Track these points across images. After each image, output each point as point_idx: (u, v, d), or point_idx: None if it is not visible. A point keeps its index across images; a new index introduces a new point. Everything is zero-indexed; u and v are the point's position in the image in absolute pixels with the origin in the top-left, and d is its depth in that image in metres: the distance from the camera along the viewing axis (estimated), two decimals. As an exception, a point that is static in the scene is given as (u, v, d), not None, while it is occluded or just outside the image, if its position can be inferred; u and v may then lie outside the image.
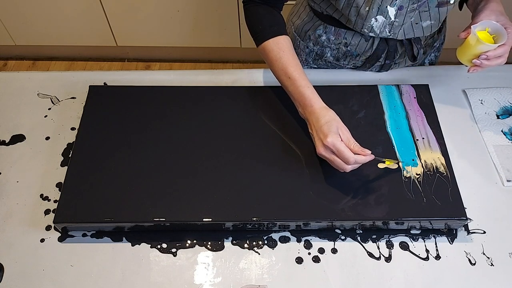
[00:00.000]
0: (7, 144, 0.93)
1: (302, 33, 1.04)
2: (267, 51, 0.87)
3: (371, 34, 0.92)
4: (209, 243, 0.80)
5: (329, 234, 0.81)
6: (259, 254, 0.79)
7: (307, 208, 0.79)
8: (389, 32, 0.91)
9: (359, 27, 0.91)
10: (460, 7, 1.00)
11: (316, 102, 0.82)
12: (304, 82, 0.84)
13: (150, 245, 0.80)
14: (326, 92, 0.92)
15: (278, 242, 0.80)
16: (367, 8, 0.87)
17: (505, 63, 1.01)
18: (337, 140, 0.76)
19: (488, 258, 0.78)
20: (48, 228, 0.82)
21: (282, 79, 0.87)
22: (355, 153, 0.76)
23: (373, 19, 0.88)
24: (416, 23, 0.90)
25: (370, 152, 0.77)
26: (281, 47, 0.86)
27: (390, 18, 0.88)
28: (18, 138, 0.94)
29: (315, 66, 1.08)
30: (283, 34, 0.88)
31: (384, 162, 0.82)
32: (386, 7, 0.86)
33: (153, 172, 0.83)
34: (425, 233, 0.81)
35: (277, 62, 0.86)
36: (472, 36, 0.84)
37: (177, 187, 0.81)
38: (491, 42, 0.83)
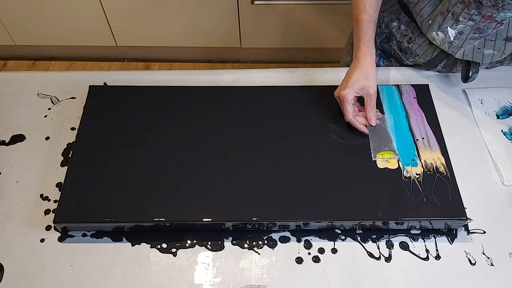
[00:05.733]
0: (7, 144, 0.93)
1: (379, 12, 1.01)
2: None
3: (433, 41, 0.93)
4: (209, 243, 0.80)
5: (329, 234, 0.81)
6: (259, 254, 0.79)
7: (307, 208, 0.79)
8: (448, 49, 0.91)
9: (424, 31, 0.92)
10: None
11: (362, 48, 0.86)
12: (365, 29, 0.87)
13: (150, 245, 0.80)
14: (326, 92, 0.92)
15: (278, 242, 0.80)
16: (430, 22, 0.88)
17: (505, 64, 1.02)
18: (348, 98, 0.84)
19: (488, 258, 0.78)
20: (48, 228, 0.82)
21: (353, 20, 0.90)
22: (367, 116, 0.86)
23: (434, 32, 0.89)
24: (478, 49, 0.90)
25: (375, 123, 0.87)
26: None
27: (449, 38, 0.88)
28: (18, 138, 0.94)
29: (380, 48, 1.06)
30: None
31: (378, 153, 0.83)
32: (447, 27, 0.86)
33: (153, 172, 0.83)
34: (425, 233, 0.81)
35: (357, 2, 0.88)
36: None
37: (177, 187, 0.81)
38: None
